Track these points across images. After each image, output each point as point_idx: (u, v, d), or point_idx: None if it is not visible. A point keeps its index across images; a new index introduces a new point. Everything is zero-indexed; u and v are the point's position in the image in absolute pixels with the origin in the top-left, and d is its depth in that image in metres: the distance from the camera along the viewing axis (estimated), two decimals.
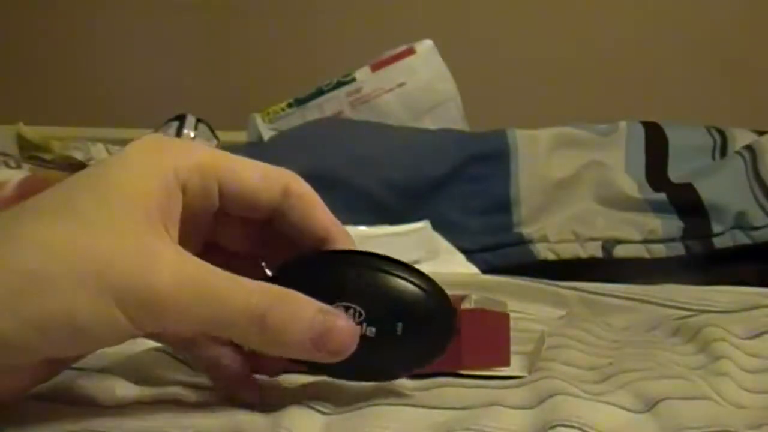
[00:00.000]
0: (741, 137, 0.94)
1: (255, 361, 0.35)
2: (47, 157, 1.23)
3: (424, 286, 0.33)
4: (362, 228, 0.83)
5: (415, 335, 0.32)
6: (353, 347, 0.32)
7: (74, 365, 0.36)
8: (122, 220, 0.29)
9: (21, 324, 0.27)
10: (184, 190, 0.32)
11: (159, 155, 0.32)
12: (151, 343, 0.38)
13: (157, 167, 0.31)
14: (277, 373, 0.36)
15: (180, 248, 0.30)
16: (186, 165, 0.32)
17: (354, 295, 0.32)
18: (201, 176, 0.32)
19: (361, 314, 0.32)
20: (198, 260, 0.30)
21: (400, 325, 0.32)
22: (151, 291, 0.29)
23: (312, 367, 0.33)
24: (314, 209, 0.34)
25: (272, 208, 0.34)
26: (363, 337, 0.32)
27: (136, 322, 0.29)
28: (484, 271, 0.74)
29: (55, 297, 0.28)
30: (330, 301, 0.32)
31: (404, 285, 0.33)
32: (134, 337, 0.30)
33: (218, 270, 0.30)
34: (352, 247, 0.34)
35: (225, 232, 0.35)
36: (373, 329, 0.32)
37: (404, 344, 0.32)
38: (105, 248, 0.28)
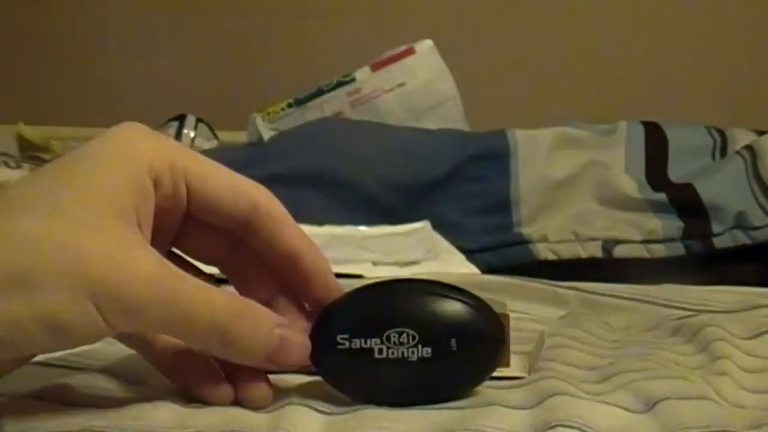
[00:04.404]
0: (741, 137, 0.94)
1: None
2: (47, 157, 1.23)
3: (470, 301, 0.34)
4: (362, 228, 0.83)
5: (470, 349, 0.33)
6: (304, 361, 0.33)
7: (74, 365, 0.37)
8: (101, 219, 0.30)
9: (6, 323, 0.28)
10: (155, 188, 0.32)
11: (134, 151, 0.32)
12: None
13: (133, 164, 0.31)
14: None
15: (154, 251, 0.31)
16: (158, 163, 0.32)
17: (405, 321, 0.33)
18: (172, 175, 0.32)
19: (414, 337, 0.33)
20: (170, 265, 0.31)
21: (454, 341, 0.33)
22: (125, 291, 0.29)
23: (373, 396, 0.33)
24: (283, 227, 0.34)
25: (239, 220, 0.34)
26: (421, 359, 0.33)
27: (110, 321, 0.29)
28: (484, 271, 0.74)
29: (36, 296, 0.28)
30: (382, 330, 0.33)
31: (452, 303, 0.33)
32: (108, 335, 0.30)
33: (189, 278, 0.31)
34: (327, 266, 0.35)
35: (191, 237, 0.35)
36: (429, 349, 0.33)
37: (461, 359, 0.33)
38: (84, 248, 0.29)
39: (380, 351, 0.33)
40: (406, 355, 0.33)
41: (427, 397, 0.33)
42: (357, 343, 0.33)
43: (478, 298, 0.34)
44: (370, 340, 0.33)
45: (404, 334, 0.33)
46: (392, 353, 0.33)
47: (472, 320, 0.33)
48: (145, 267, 0.30)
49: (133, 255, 0.30)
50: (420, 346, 0.33)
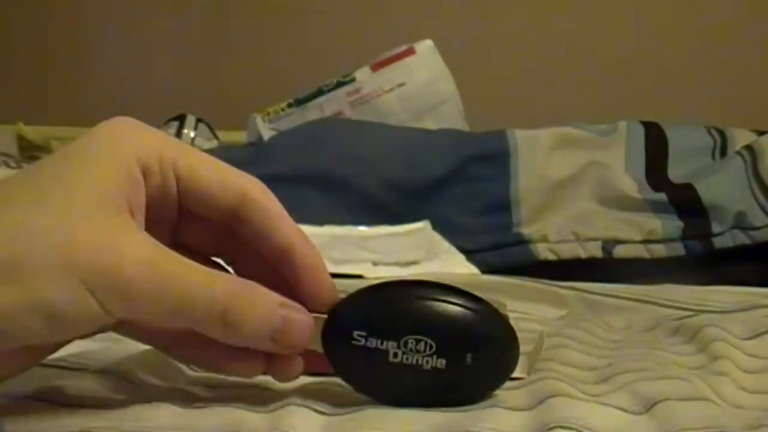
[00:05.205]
0: (741, 137, 0.94)
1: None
2: None
3: (487, 313, 0.33)
4: (362, 228, 0.83)
5: (484, 363, 0.33)
6: (307, 342, 0.32)
7: (74, 365, 0.37)
8: (91, 207, 0.30)
9: None
10: (144, 178, 0.32)
11: (122, 143, 0.32)
12: None
13: (121, 155, 0.31)
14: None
15: (148, 235, 0.31)
16: (146, 154, 0.32)
17: (425, 329, 0.33)
18: (160, 166, 0.32)
19: (432, 347, 0.33)
20: (165, 248, 0.31)
21: (470, 356, 0.33)
22: (119, 275, 0.29)
23: (379, 395, 0.33)
24: (274, 219, 0.34)
25: (229, 212, 0.33)
26: (434, 369, 0.33)
27: (107, 306, 0.29)
28: (484, 271, 0.74)
29: (27, 284, 0.28)
30: (400, 334, 0.32)
31: (471, 315, 0.33)
32: (107, 323, 0.30)
33: (185, 260, 0.31)
34: (320, 260, 0.34)
35: (189, 230, 0.35)
36: (444, 361, 0.33)
37: (474, 373, 0.33)
38: (74, 233, 0.29)
39: (395, 355, 0.33)
40: (420, 362, 0.33)
41: (433, 404, 0.33)
42: (373, 342, 0.33)
43: (493, 308, 0.34)
44: (386, 342, 0.33)
45: (422, 342, 0.33)
46: (407, 359, 0.33)
47: (490, 336, 0.33)
48: (138, 250, 0.30)
49: (126, 239, 0.30)
50: (435, 357, 0.33)
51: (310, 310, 0.33)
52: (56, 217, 0.29)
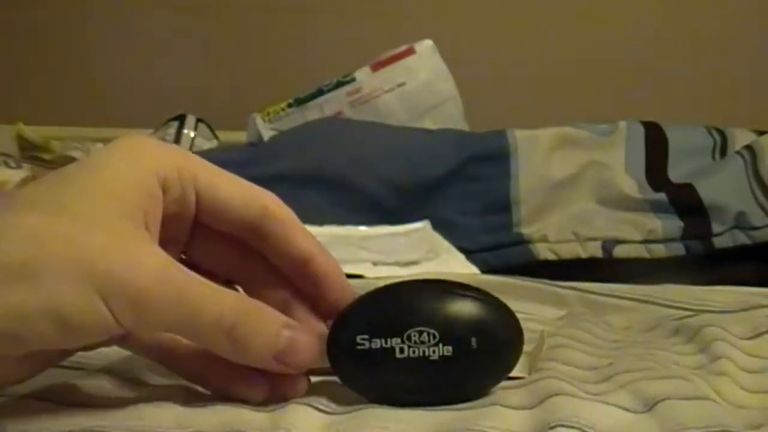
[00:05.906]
0: (741, 137, 0.94)
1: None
2: (47, 157, 1.23)
3: (486, 299, 0.34)
4: (362, 228, 0.83)
5: (490, 347, 0.33)
6: (312, 363, 0.33)
7: (74, 365, 0.37)
8: (108, 217, 0.30)
9: (6, 314, 0.28)
10: (163, 192, 0.32)
11: (142, 156, 0.32)
12: None
13: (140, 168, 0.32)
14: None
15: (161, 249, 0.31)
16: (166, 168, 0.32)
17: (425, 320, 0.33)
18: (180, 181, 0.32)
19: (435, 336, 0.33)
20: (177, 263, 0.31)
21: (474, 339, 0.33)
22: (132, 285, 0.29)
23: (392, 396, 0.33)
24: (294, 232, 0.34)
25: (248, 226, 0.34)
26: (442, 358, 0.33)
27: (118, 315, 0.29)
28: (484, 271, 0.74)
29: (40, 288, 0.28)
30: (402, 329, 0.33)
31: (470, 302, 0.33)
32: (117, 333, 0.30)
33: (196, 276, 0.31)
34: (338, 268, 0.35)
35: (198, 252, 0.35)
36: (450, 348, 0.33)
37: (481, 357, 0.33)
38: (90, 241, 0.29)
39: (401, 350, 0.33)
40: (427, 353, 0.33)
41: (447, 396, 0.33)
42: (377, 343, 0.33)
43: (494, 297, 0.34)
44: (390, 340, 0.33)
45: (425, 333, 0.33)
46: (413, 352, 0.33)
47: (490, 318, 0.33)
48: (152, 262, 0.30)
49: (140, 250, 0.30)
50: (441, 345, 0.33)
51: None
52: (74, 225, 0.29)
